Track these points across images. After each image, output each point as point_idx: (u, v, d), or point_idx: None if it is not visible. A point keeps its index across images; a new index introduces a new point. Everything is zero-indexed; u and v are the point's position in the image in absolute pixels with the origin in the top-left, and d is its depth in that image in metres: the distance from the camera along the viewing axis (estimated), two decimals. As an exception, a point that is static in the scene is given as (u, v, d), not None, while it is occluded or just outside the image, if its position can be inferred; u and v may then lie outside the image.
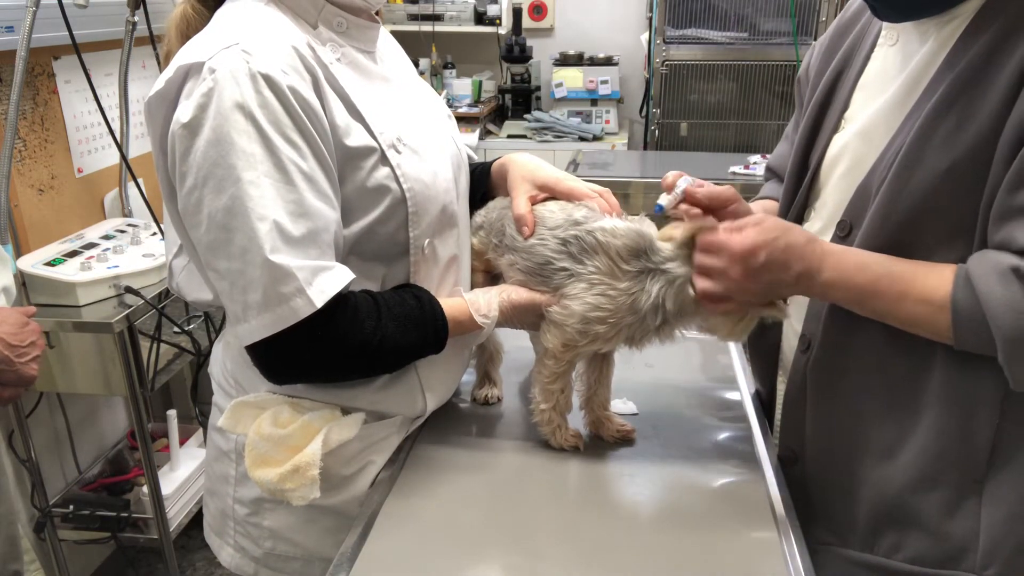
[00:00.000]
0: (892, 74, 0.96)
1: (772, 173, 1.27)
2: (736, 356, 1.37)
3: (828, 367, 0.99)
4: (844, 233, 0.96)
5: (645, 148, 3.72)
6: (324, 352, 0.93)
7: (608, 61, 3.81)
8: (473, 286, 1.15)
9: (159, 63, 1.04)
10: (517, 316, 1.07)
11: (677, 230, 0.96)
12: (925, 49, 0.91)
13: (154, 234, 1.99)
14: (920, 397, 0.92)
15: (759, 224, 0.89)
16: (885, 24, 0.98)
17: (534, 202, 1.10)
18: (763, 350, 1.18)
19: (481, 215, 1.18)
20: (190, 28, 0.97)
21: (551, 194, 1.10)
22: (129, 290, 1.75)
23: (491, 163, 1.21)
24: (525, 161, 1.15)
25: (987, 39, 0.84)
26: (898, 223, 0.89)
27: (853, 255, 0.91)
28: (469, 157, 1.21)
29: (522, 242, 1.07)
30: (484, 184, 1.20)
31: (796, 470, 1.05)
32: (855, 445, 0.98)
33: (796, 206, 1.07)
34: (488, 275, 1.17)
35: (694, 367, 1.36)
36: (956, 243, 0.87)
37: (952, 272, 0.86)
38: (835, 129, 1.02)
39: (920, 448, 0.93)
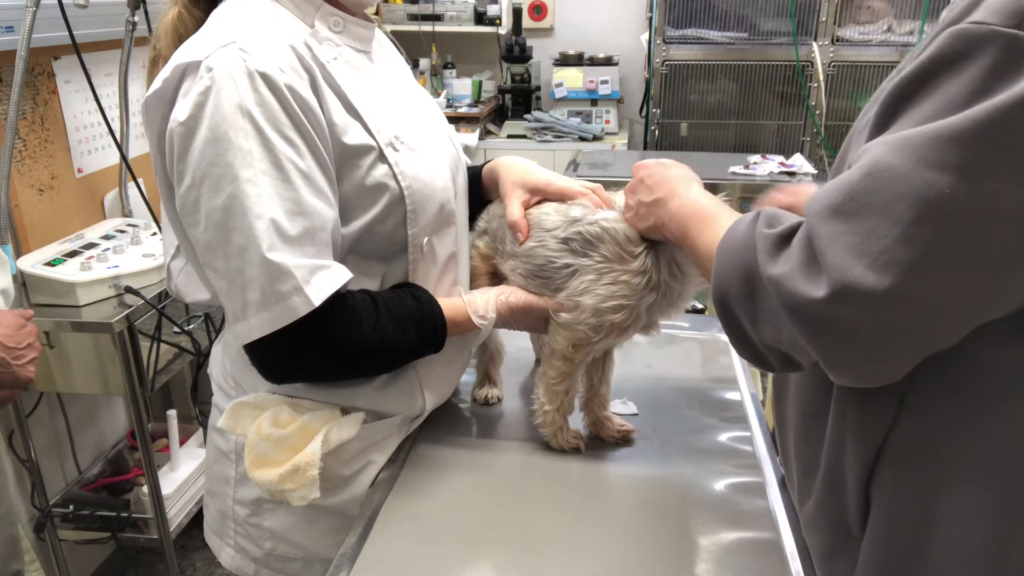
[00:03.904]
0: None
1: None
2: (736, 356, 1.37)
3: (777, 383, 0.96)
4: None
5: (645, 148, 3.71)
6: (322, 351, 0.93)
7: (608, 61, 3.81)
8: (476, 288, 1.15)
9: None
10: (514, 318, 1.07)
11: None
12: None
13: (154, 234, 1.99)
14: (821, 434, 0.83)
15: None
16: None
17: (527, 206, 1.10)
18: None
19: (484, 220, 1.18)
20: (186, 30, 0.97)
21: (543, 196, 1.10)
22: (129, 290, 1.75)
23: (481, 167, 1.21)
24: (515, 165, 1.15)
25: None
26: None
27: (701, 195, 0.91)
28: None
29: (520, 247, 1.07)
30: (476, 189, 1.20)
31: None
32: (789, 462, 0.94)
33: None
34: (493, 277, 1.17)
35: (694, 367, 1.35)
36: None
37: None
38: None
39: (816, 483, 0.84)
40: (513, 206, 1.09)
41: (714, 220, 0.85)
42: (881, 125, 0.70)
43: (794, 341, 0.68)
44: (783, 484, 1.02)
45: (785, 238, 0.70)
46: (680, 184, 0.94)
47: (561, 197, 1.09)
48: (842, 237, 0.64)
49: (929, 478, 0.72)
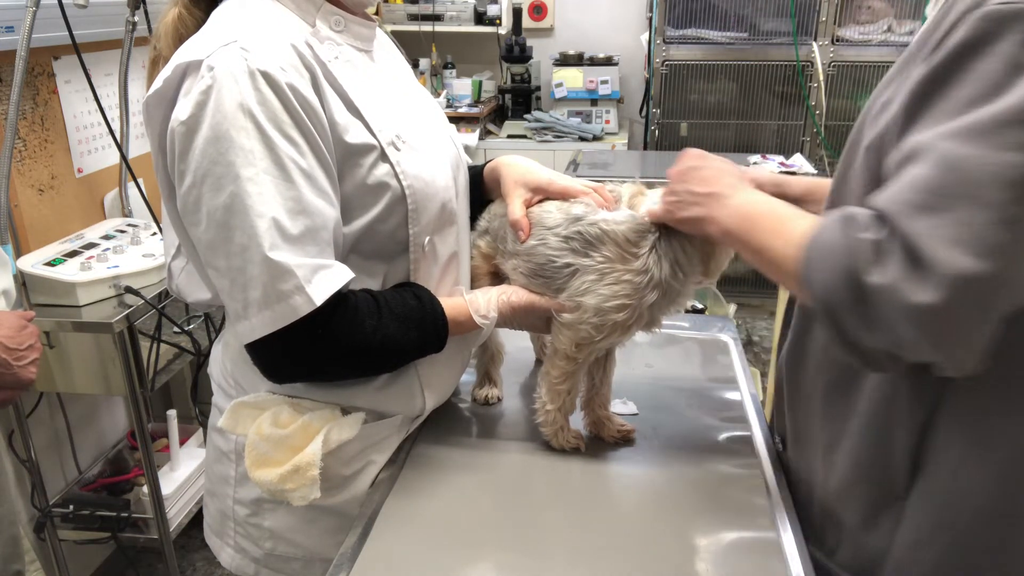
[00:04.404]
0: None
1: None
2: (736, 356, 1.37)
3: (793, 360, 0.97)
4: None
5: (645, 148, 3.72)
6: (324, 351, 0.93)
7: (608, 61, 3.81)
8: (478, 287, 1.15)
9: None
10: (516, 318, 1.07)
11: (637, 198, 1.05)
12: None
13: (154, 234, 1.99)
14: (851, 403, 0.87)
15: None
16: None
17: (529, 205, 1.10)
18: None
19: (485, 220, 1.18)
20: (187, 31, 0.97)
21: (545, 195, 1.10)
22: (129, 290, 1.75)
23: (482, 167, 1.21)
24: (517, 164, 1.15)
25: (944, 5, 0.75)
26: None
27: (762, 196, 0.89)
28: None
29: (522, 246, 1.07)
30: (478, 188, 1.20)
31: (783, 458, 1.06)
32: (808, 439, 0.96)
33: None
34: (494, 277, 1.17)
35: (694, 367, 1.35)
36: None
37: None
38: None
39: (846, 452, 0.88)
40: (515, 205, 1.09)
41: (785, 220, 0.82)
42: (912, 115, 0.70)
43: (914, 344, 0.67)
44: (784, 483, 1.02)
45: (883, 243, 0.69)
46: (739, 182, 0.93)
47: (563, 196, 1.09)
48: (936, 231, 0.64)
49: (974, 439, 0.77)
